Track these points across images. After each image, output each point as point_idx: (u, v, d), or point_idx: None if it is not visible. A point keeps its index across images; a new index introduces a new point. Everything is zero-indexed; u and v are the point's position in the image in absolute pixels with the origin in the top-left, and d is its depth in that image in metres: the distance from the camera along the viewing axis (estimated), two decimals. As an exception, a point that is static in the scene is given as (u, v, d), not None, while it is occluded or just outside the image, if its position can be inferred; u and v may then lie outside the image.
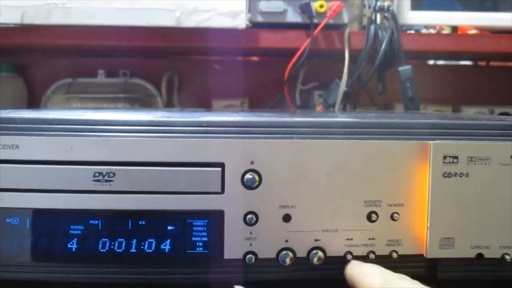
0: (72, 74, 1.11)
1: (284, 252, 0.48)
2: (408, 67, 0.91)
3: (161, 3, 0.82)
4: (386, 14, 0.94)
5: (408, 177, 0.48)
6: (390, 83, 0.97)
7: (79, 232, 0.47)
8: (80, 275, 0.48)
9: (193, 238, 0.48)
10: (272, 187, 0.47)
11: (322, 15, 0.88)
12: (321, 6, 0.88)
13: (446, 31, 1.00)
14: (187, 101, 1.16)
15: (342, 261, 0.48)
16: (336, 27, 0.92)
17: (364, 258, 0.49)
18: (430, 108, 1.10)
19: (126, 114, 0.51)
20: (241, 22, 0.83)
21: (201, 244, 0.48)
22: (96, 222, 0.47)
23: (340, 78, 0.93)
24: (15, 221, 0.47)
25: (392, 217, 0.48)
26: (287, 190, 0.47)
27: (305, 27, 0.90)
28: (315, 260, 0.48)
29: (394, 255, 0.49)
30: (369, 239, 0.49)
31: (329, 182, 0.48)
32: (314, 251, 0.48)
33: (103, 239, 0.48)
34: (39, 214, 0.47)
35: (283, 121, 0.48)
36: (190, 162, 0.47)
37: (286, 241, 0.48)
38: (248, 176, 0.47)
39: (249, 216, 0.47)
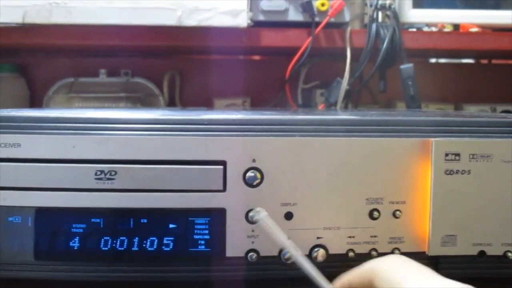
0: (74, 73, 1.11)
1: (286, 249, 0.48)
2: (409, 65, 0.91)
3: (162, 2, 0.82)
4: (388, 12, 0.93)
5: (410, 174, 0.48)
6: (391, 82, 0.96)
7: (81, 230, 0.48)
8: (82, 273, 0.48)
9: (195, 236, 0.48)
10: (273, 185, 0.47)
11: (323, 13, 0.88)
12: (323, 5, 0.87)
13: (448, 29, 0.99)
14: (189, 100, 1.16)
15: (344, 259, 0.48)
16: (338, 26, 0.92)
17: (366, 256, 0.49)
18: (431, 106, 1.09)
19: (128, 112, 0.52)
20: (242, 21, 0.83)
21: (203, 242, 0.48)
22: (98, 220, 0.47)
23: (342, 76, 0.92)
24: (17, 219, 0.47)
25: (394, 215, 0.48)
26: (289, 187, 0.47)
27: (307, 25, 0.89)
28: (317, 257, 0.48)
29: (396, 252, 0.49)
30: (371, 236, 0.49)
31: (331, 180, 0.48)
32: (316, 249, 0.48)
33: (105, 238, 0.48)
34: (41, 213, 0.47)
35: (285, 119, 0.48)
36: (192, 160, 0.47)
37: (288, 238, 0.48)
38: (249, 174, 0.47)
39: (251, 213, 0.47)
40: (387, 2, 0.93)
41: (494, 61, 1.22)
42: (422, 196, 0.48)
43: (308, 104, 1.10)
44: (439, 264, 0.50)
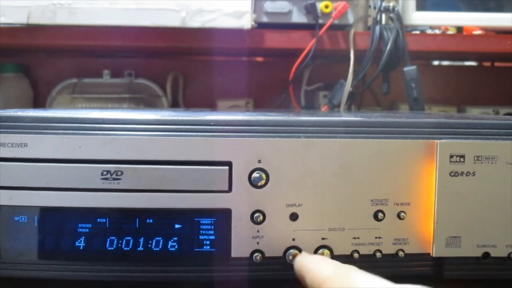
0: (77, 74, 1.11)
1: (291, 250, 0.48)
2: (413, 67, 0.91)
3: (166, 3, 0.82)
4: (391, 15, 0.94)
5: (414, 176, 0.48)
6: (394, 84, 0.97)
7: (87, 230, 0.48)
8: (87, 273, 0.48)
9: (200, 237, 0.48)
10: (279, 185, 0.47)
11: (327, 15, 0.88)
12: (326, 7, 0.88)
13: (451, 31, 1.00)
14: (192, 101, 1.16)
15: (348, 260, 0.48)
16: (341, 28, 0.92)
17: (371, 257, 0.49)
18: (434, 108, 1.10)
19: (134, 113, 0.52)
20: (246, 22, 0.83)
21: (208, 242, 0.48)
22: (104, 220, 0.48)
23: (345, 78, 0.93)
24: (23, 219, 0.47)
25: (398, 216, 0.49)
26: (294, 188, 0.48)
27: (310, 27, 0.90)
28: (322, 258, 0.48)
29: (401, 254, 0.49)
30: (376, 237, 0.49)
31: (336, 181, 0.48)
32: (321, 250, 0.48)
33: (110, 237, 0.48)
34: (47, 212, 0.47)
35: (290, 120, 0.48)
36: (198, 161, 0.47)
37: (293, 239, 0.48)
38: (255, 174, 0.47)
39: (256, 214, 0.47)
40: (391, 5, 0.93)
41: (497, 64, 1.22)
42: (427, 197, 0.49)
43: (311, 106, 1.10)
44: (443, 265, 0.50)
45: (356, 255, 0.49)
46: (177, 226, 0.48)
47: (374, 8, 0.94)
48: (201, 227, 0.48)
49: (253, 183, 0.47)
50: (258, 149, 0.47)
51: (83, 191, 0.47)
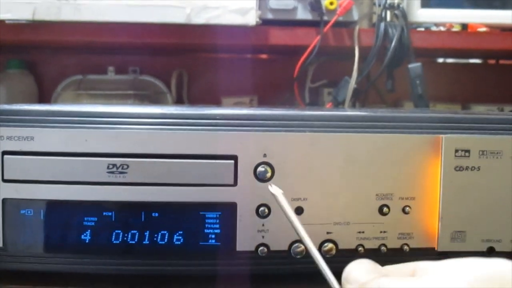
0: (82, 71, 1.11)
1: (296, 244, 0.48)
2: (418, 64, 0.91)
3: (171, 0, 0.83)
4: (396, 12, 0.93)
5: (420, 170, 0.49)
6: (399, 81, 0.97)
7: (93, 223, 0.48)
8: (93, 266, 0.49)
9: (206, 230, 0.48)
10: (284, 179, 0.48)
11: (332, 12, 0.88)
12: (331, 3, 0.88)
13: (456, 29, 0.99)
14: (196, 98, 1.16)
15: (353, 254, 0.48)
16: (346, 25, 0.92)
17: (376, 251, 0.49)
18: (439, 106, 1.10)
19: (140, 107, 0.52)
20: (251, 19, 0.83)
21: (213, 236, 0.48)
22: (110, 213, 0.48)
23: (349, 75, 0.93)
24: (29, 212, 0.48)
25: (403, 210, 0.49)
26: (300, 182, 0.48)
27: (315, 24, 0.90)
28: (327, 252, 0.48)
29: (406, 248, 0.49)
30: (381, 232, 0.49)
31: (341, 175, 0.48)
32: (326, 244, 0.48)
33: (116, 231, 0.48)
34: (53, 206, 0.48)
35: (296, 115, 0.49)
36: (203, 155, 0.47)
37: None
38: (260, 168, 0.47)
39: (262, 208, 0.48)
40: (396, 2, 0.93)
41: (501, 61, 1.22)
42: (432, 192, 0.49)
43: (315, 103, 1.10)
44: (448, 260, 0.50)
45: (361, 249, 0.49)
46: (182, 219, 0.48)
47: (379, 5, 0.93)
48: (207, 220, 0.48)
49: (259, 177, 0.47)
50: (263, 143, 0.47)
51: (89, 185, 0.47)
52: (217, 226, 0.48)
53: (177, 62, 1.15)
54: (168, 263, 0.49)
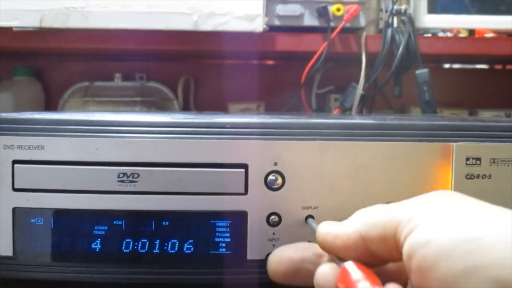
0: (89, 77, 1.12)
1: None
2: (425, 70, 0.91)
3: (178, 7, 0.83)
4: (403, 18, 0.94)
5: (430, 178, 0.48)
6: (406, 87, 0.97)
7: (103, 232, 0.48)
8: (103, 275, 0.48)
9: (216, 239, 0.48)
10: (295, 188, 0.47)
11: (339, 18, 0.88)
12: (338, 10, 0.88)
13: (463, 34, 0.99)
14: (203, 104, 1.16)
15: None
16: (353, 31, 0.92)
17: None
18: (446, 111, 1.09)
19: (150, 116, 0.52)
20: (258, 25, 0.83)
21: (224, 244, 0.48)
22: (120, 222, 0.48)
23: (356, 81, 0.93)
24: (39, 221, 0.48)
25: (414, 219, 0.48)
26: (310, 191, 0.48)
27: (322, 30, 0.90)
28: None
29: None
30: (392, 240, 0.49)
31: (352, 183, 0.48)
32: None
33: (126, 240, 0.48)
34: (63, 215, 0.48)
35: (306, 123, 0.48)
36: (214, 163, 0.47)
37: (309, 241, 0.48)
38: (271, 177, 0.47)
39: (272, 217, 0.47)
40: (402, 8, 0.93)
41: (508, 67, 1.21)
42: (443, 200, 0.48)
43: (322, 109, 1.10)
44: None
45: (371, 257, 0.48)
46: (193, 228, 0.48)
47: (386, 11, 0.94)
48: (217, 229, 0.48)
49: (269, 186, 0.47)
50: (274, 152, 0.47)
51: (99, 194, 0.47)
52: (228, 234, 0.48)
53: (184, 68, 1.15)
54: (178, 271, 0.48)
